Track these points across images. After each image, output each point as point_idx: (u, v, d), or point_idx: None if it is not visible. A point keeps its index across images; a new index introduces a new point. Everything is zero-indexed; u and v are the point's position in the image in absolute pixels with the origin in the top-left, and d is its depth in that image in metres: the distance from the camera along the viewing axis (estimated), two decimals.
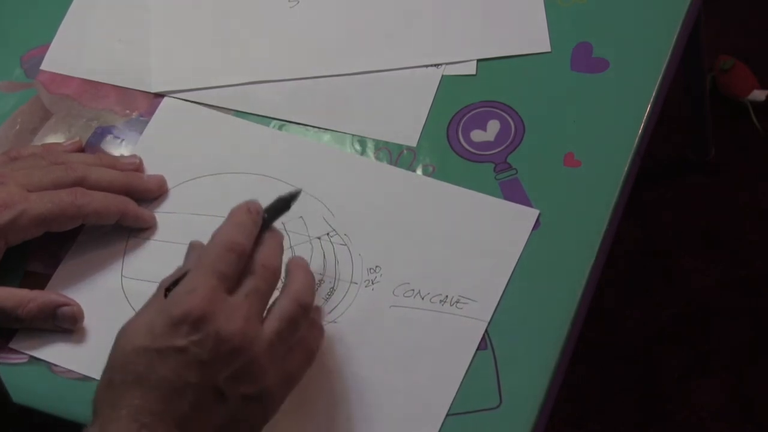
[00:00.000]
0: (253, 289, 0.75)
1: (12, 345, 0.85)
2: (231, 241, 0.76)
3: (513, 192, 0.89)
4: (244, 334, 0.72)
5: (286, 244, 0.88)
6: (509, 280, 0.85)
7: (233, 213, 0.79)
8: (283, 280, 0.79)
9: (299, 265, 0.80)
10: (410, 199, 0.90)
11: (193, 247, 0.80)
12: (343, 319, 0.85)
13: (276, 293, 0.78)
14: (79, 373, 0.84)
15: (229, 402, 0.72)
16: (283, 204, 0.82)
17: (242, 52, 1.00)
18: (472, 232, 0.88)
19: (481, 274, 0.86)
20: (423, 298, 0.85)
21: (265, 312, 0.76)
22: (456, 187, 0.90)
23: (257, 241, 0.78)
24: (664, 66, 0.94)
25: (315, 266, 0.87)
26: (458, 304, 0.84)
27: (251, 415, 0.73)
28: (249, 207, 0.79)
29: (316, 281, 0.87)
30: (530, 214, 0.88)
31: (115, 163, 0.92)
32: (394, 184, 0.91)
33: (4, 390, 0.81)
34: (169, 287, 0.75)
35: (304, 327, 0.78)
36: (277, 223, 0.89)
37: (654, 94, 0.93)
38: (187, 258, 0.80)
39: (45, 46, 1.01)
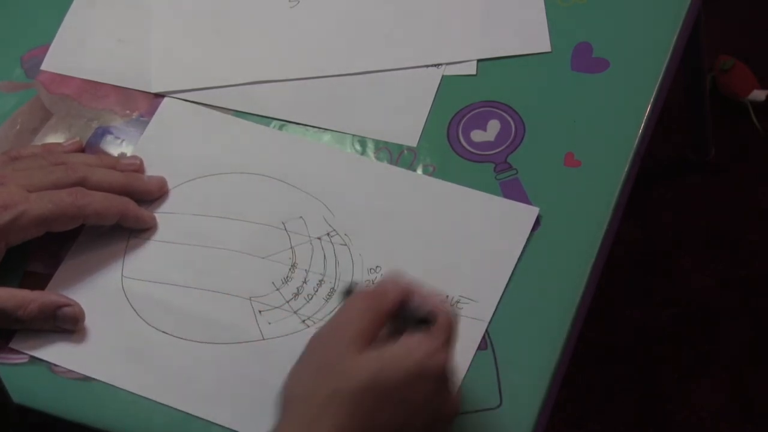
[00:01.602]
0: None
1: (12, 345, 0.85)
2: (452, 318, 0.77)
3: (513, 192, 0.89)
4: (460, 406, 0.77)
5: (286, 244, 0.88)
6: (510, 280, 0.85)
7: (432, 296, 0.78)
8: None
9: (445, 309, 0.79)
10: (410, 199, 0.90)
11: (433, 298, 0.78)
12: None
13: None
14: (80, 373, 0.84)
15: None
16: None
17: (242, 52, 1.00)
18: (472, 231, 0.88)
19: (482, 273, 0.86)
20: None
21: None
22: (456, 186, 0.90)
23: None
24: (664, 66, 0.94)
25: (315, 266, 0.87)
26: (458, 304, 0.84)
27: None
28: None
29: (317, 281, 0.87)
30: (530, 212, 0.88)
31: (115, 163, 0.92)
32: (394, 184, 0.91)
33: (4, 390, 0.81)
34: (409, 319, 0.75)
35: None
36: (277, 223, 0.89)
37: (654, 94, 0.93)
38: (422, 294, 0.77)
39: (45, 46, 1.01)
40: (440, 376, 0.73)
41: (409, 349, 0.72)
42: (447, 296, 0.85)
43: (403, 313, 0.76)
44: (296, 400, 0.72)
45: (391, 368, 0.71)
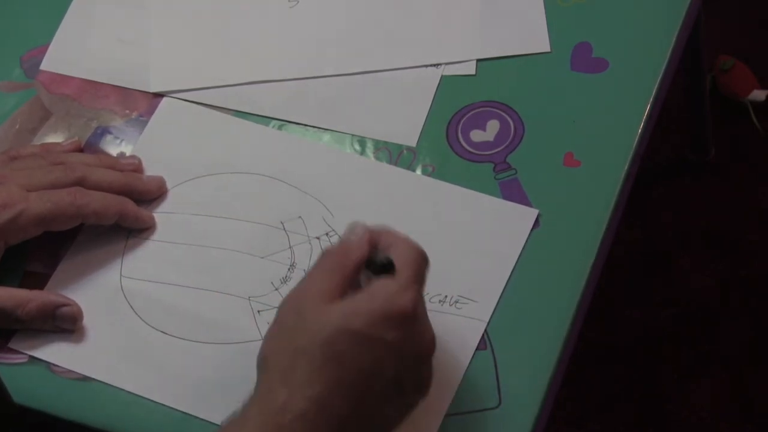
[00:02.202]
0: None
1: (11, 345, 0.85)
2: (422, 251, 0.78)
3: (512, 192, 0.89)
4: (435, 344, 0.77)
5: (285, 243, 0.88)
6: (509, 280, 0.85)
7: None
8: None
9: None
10: (409, 199, 0.90)
11: (409, 245, 0.78)
12: None
13: None
14: (79, 373, 0.84)
15: (400, 400, 0.74)
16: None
17: (242, 52, 1.00)
18: (471, 232, 0.88)
19: (481, 274, 0.86)
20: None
21: None
22: (455, 187, 0.90)
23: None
24: (664, 66, 0.94)
25: None
26: (458, 304, 0.84)
27: (402, 417, 0.75)
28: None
29: None
30: (530, 214, 0.88)
31: (114, 163, 0.92)
32: (393, 184, 0.91)
33: (5, 391, 0.81)
34: (372, 265, 0.76)
35: None
36: (276, 223, 0.89)
37: (654, 94, 0.93)
38: (387, 238, 0.79)
39: (45, 46, 1.01)
40: (407, 316, 0.74)
41: (372, 293, 0.74)
42: (446, 296, 0.85)
43: (370, 261, 0.77)
44: (270, 358, 0.74)
45: (355, 314, 0.73)
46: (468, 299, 0.84)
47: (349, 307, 0.73)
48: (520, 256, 0.86)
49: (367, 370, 0.72)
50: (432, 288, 0.85)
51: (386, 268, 0.77)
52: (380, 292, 0.74)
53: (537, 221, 0.87)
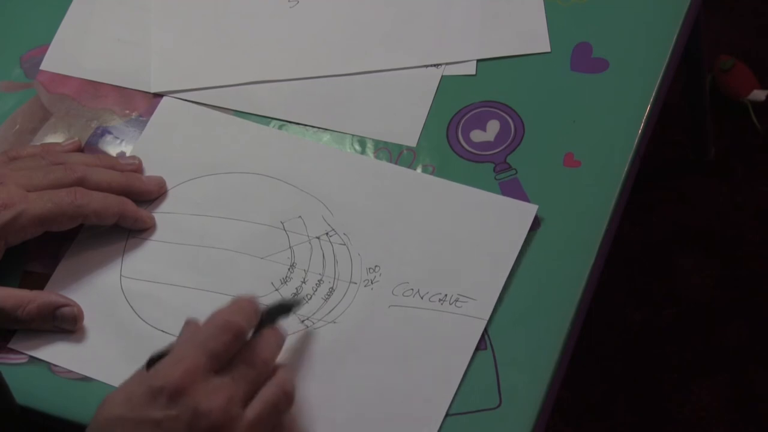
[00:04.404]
0: (242, 374, 0.74)
1: (11, 345, 0.85)
2: (228, 320, 0.75)
3: (513, 192, 0.89)
4: (223, 413, 0.71)
5: (285, 243, 0.88)
6: (509, 279, 0.85)
7: (236, 299, 0.78)
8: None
9: (287, 366, 0.79)
10: (409, 197, 0.90)
11: (188, 324, 0.78)
12: (343, 319, 0.85)
13: None
14: (79, 373, 0.84)
15: None
16: (284, 308, 0.82)
17: (242, 52, 1.00)
18: (470, 229, 0.88)
19: (480, 271, 0.85)
20: (422, 298, 0.85)
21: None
22: (454, 184, 0.90)
23: (258, 332, 0.78)
24: (664, 66, 0.94)
25: (314, 266, 0.87)
26: (457, 303, 0.84)
27: None
28: (251, 298, 0.79)
29: (316, 281, 0.87)
30: (529, 210, 0.88)
31: (114, 163, 0.92)
32: (392, 182, 0.91)
33: (7, 391, 0.81)
34: (154, 359, 0.74)
35: (286, 416, 0.77)
36: (276, 223, 0.89)
37: (654, 94, 0.93)
38: (180, 334, 0.78)
39: (45, 46, 1.01)
40: (174, 390, 0.71)
41: (147, 373, 0.73)
42: (446, 295, 0.85)
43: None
44: None
45: (126, 399, 0.72)
46: (468, 297, 0.84)
47: (120, 394, 0.72)
48: (520, 255, 0.86)
49: None
50: (432, 287, 0.85)
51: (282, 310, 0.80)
52: (152, 371, 0.72)
53: (537, 221, 0.87)
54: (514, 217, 0.88)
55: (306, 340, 0.84)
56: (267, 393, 0.75)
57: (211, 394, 0.71)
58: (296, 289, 0.86)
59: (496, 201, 0.89)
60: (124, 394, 0.72)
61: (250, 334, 0.77)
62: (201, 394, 0.71)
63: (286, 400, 0.76)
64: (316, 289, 0.86)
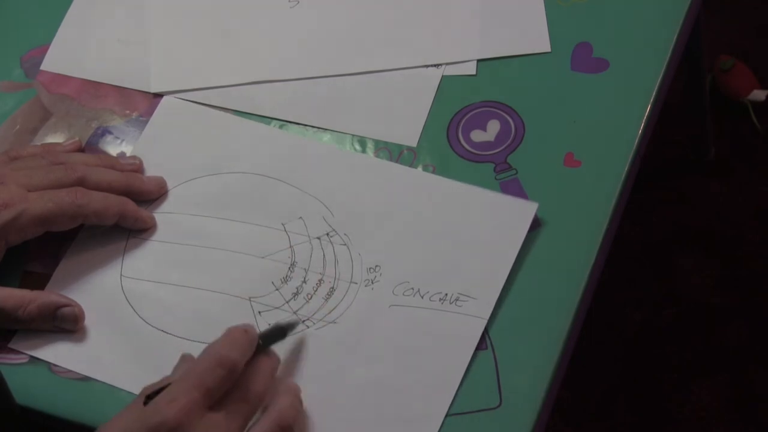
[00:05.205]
0: (236, 408, 0.75)
1: (12, 345, 0.85)
2: (222, 356, 0.75)
3: (513, 192, 0.89)
4: None
5: (285, 243, 0.88)
6: (510, 280, 0.85)
7: (229, 331, 0.78)
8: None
9: (289, 388, 0.80)
10: (409, 196, 0.90)
11: (183, 359, 0.79)
12: (343, 319, 0.85)
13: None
14: (79, 373, 0.84)
15: None
16: (279, 331, 0.82)
17: (242, 52, 1.00)
18: (470, 227, 0.88)
19: (481, 270, 0.85)
20: (423, 297, 0.85)
21: None
22: (453, 182, 0.90)
23: (252, 361, 0.78)
24: (664, 66, 0.94)
25: (315, 266, 0.87)
26: (458, 302, 0.84)
27: None
28: (246, 328, 0.79)
29: (316, 281, 0.87)
30: (529, 207, 0.88)
31: (114, 163, 0.92)
32: (392, 181, 0.91)
33: (7, 391, 0.81)
34: (150, 395, 0.74)
35: None
36: (277, 224, 0.89)
37: (654, 94, 0.93)
38: (175, 369, 0.78)
39: (45, 46, 1.01)
40: (170, 427, 0.71)
41: (145, 409, 0.73)
42: (446, 294, 0.85)
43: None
44: None
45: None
46: (468, 297, 0.84)
47: (115, 427, 0.73)
48: (520, 255, 0.86)
49: None
50: (432, 286, 0.85)
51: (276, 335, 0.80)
52: (148, 407, 0.73)
53: (538, 221, 0.87)
54: (515, 214, 0.88)
55: (306, 340, 0.84)
56: (263, 427, 0.75)
57: (207, 431, 0.72)
58: (297, 288, 0.86)
59: (497, 199, 0.89)
60: (120, 429, 0.72)
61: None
62: (197, 431, 0.72)
63: None
64: (317, 289, 0.86)
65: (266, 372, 0.78)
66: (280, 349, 0.82)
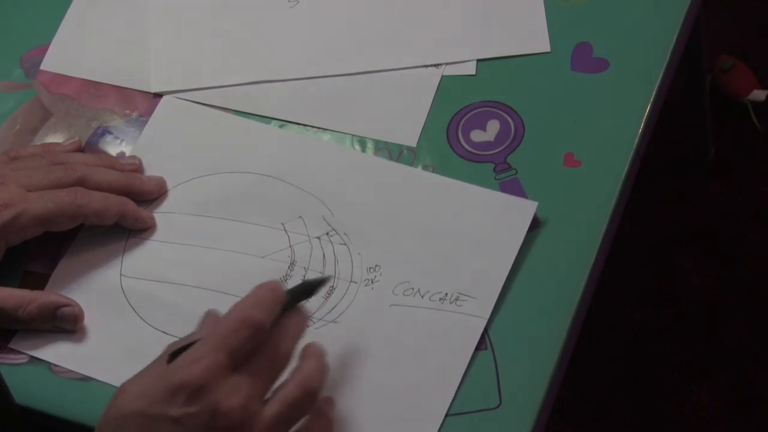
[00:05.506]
0: (261, 369, 0.73)
1: (12, 345, 0.85)
2: (248, 316, 0.73)
3: (513, 192, 0.89)
4: (243, 411, 0.70)
5: (285, 243, 0.88)
6: (510, 280, 0.85)
7: (256, 289, 0.76)
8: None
9: (315, 352, 0.77)
10: (409, 195, 0.90)
11: (208, 316, 0.77)
12: (343, 318, 0.85)
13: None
14: (79, 373, 0.84)
15: None
16: (309, 288, 0.79)
17: (242, 52, 1.00)
18: (470, 227, 0.88)
19: (481, 269, 0.85)
20: (423, 297, 0.85)
21: (270, 394, 0.74)
22: (453, 181, 0.90)
23: (280, 320, 0.75)
24: (664, 66, 0.94)
25: (314, 265, 0.87)
26: (458, 302, 0.84)
27: None
28: (273, 285, 0.76)
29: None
30: (529, 207, 0.88)
31: (114, 163, 0.92)
32: (392, 180, 0.91)
33: (7, 391, 0.81)
34: (174, 353, 0.72)
35: (309, 415, 0.75)
36: (277, 224, 0.89)
37: (654, 94, 0.93)
38: (200, 325, 0.77)
39: (45, 46, 1.01)
40: (193, 388, 0.70)
41: (166, 368, 0.72)
42: (446, 294, 0.85)
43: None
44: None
45: (142, 395, 0.71)
46: (468, 296, 0.84)
47: (137, 387, 0.71)
48: (520, 255, 0.86)
49: None
50: (432, 286, 0.85)
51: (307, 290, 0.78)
52: (171, 367, 0.71)
53: (538, 221, 0.87)
54: (515, 214, 0.88)
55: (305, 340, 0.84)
56: (287, 391, 0.74)
57: (230, 392, 0.71)
58: None
59: (496, 198, 0.89)
60: (140, 388, 0.71)
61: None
62: (221, 392, 0.70)
63: (308, 398, 0.74)
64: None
65: (294, 331, 0.76)
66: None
